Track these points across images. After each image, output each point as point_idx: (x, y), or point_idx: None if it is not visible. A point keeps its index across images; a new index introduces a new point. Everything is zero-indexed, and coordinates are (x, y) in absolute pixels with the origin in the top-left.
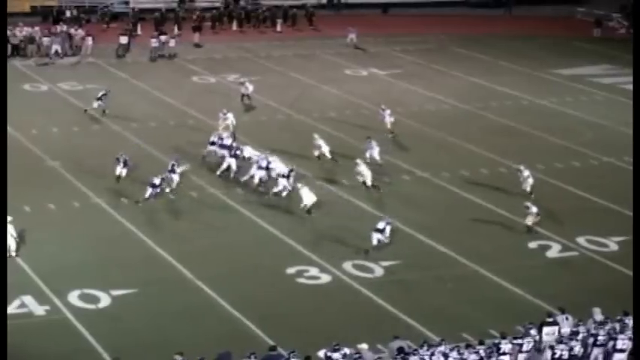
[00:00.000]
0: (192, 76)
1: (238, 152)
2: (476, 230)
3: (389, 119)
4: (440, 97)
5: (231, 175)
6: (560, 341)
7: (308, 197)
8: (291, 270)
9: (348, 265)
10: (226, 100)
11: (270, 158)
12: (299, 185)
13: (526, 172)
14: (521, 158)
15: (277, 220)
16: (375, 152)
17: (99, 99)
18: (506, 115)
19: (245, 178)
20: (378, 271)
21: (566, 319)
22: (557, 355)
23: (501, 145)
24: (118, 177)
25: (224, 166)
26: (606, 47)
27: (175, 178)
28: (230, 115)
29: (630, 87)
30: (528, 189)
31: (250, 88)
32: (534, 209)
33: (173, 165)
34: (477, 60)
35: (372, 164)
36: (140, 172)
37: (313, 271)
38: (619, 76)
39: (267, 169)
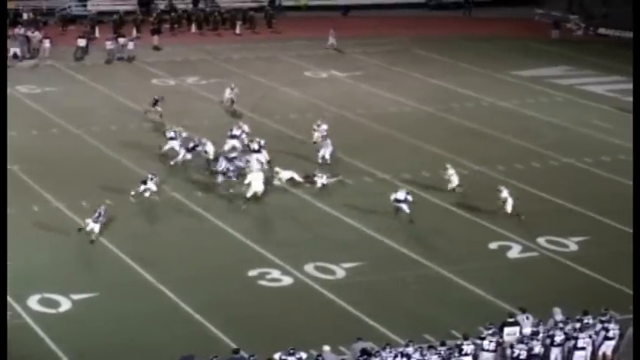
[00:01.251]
0: (152, 79)
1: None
2: (438, 231)
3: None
4: (402, 99)
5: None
6: (520, 341)
7: (256, 186)
8: (252, 272)
9: (309, 267)
10: (186, 103)
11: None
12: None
13: (504, 194)
14: (481, 159)
15: (238, 223)
16: (327, 152)
17: (155, 104)
18: (467, 116)
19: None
20: (340, 273)
21: (527, 318)
22: (515, 354)
23: (463, 147)
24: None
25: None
26: (564, 48)
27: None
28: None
29: (589, 88)
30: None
31: (235, 92)
32: (504, 193)
33: (152, 178)
34: (438, 62)
35: (322, 163)
36: (102, 174)
37: (275, 273)
38: (578, 77)
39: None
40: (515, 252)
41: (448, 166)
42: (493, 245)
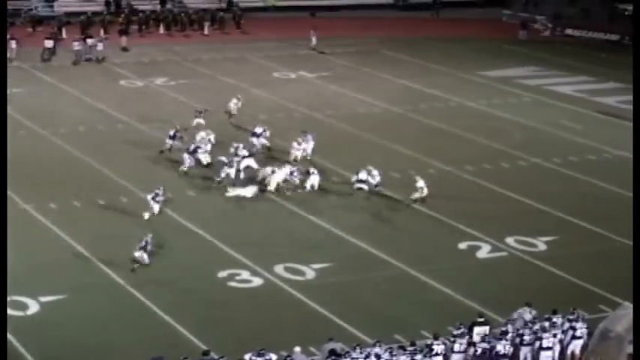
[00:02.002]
0: (120, 80)
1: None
2: (407, 232)
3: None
4: (370, 100)
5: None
6: (482, 339)
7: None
8: (222, 274)
9: (279, 268)
10: (155, 104)
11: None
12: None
13: (420, 183)
14: (450, 159)
15: (208, 224)
16: (309, 147)
17: (172, 137)
18: (436, 117)
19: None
20: (310, 274)
21: (530, 313)
22: (478, 352)
23: (432, 147)
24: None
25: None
26: (532, 49)
27: (155, 207)
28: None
29: (557, 88)
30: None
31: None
32: (420, 182)
33: (157, 194)
34: (406, 62)
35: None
36: (70, 176)
37: (245, 274)
38: (545, 77)
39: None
40: (484, 252)
41: (418, 177)
42: (462, 245)
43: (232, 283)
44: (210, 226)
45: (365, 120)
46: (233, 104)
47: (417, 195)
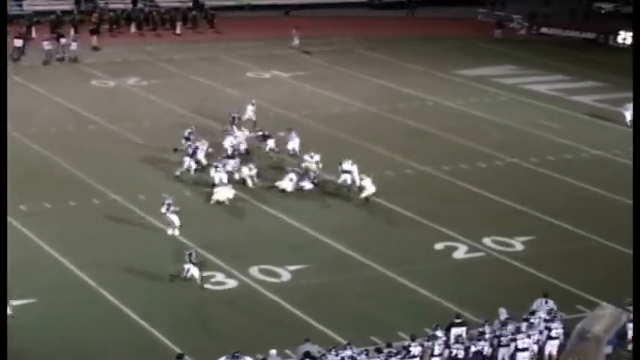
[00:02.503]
0: (92, 80)
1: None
2: (383, 233)
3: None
4: (347, 100)
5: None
6: (456, 341)
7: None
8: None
9: (254, 270)
10: (127, 105)
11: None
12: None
13: (365, 182)
14: (426, 159)
15: (182, 225)
16: (295, 144)
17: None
18: (413, 116)
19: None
20: (286, 276)
21: (546, 302)
22: (453, 354)
23: (408, 147)
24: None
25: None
26: (508, 48)
27: (175, 219)
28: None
29: (534, 87)
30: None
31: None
32: (366, 180)
33: (169, 204)
34: (382, 62)
35: (279, 155)
36: (41, 177)
37: (219, 276)
38: (522, 76)
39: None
40: (461, 252)
41: (363, 176)
42: (439, 246)
43: (207, 285)
44: (184, 227)
45: (341, 120)
46: (250, 111)
47: (366, 193)
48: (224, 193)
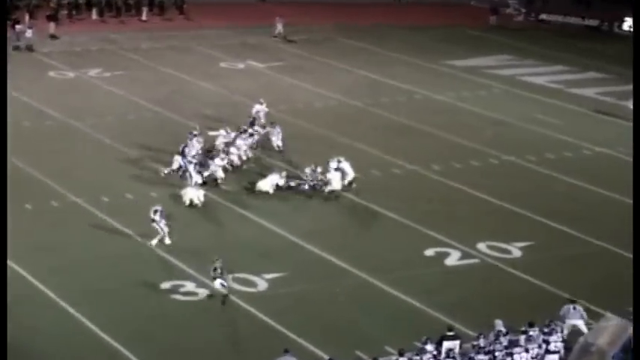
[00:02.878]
0: (49, 71)
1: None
2: (368, 237)
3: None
4: (327, 93)
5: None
6: (448, 355)
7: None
8: (165, 285)
9: (228, 279)
10: (88, 98)
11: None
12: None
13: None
14: (415, 158)
15: (149, 231)
16: (278, 138)
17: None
18: (399, 111)
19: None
20: (262, 285)
21: (574, 309)
22: None
23: (394, 145)
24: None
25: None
26: (503, 36)
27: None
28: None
29: (531, 79)
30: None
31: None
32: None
33: (156, 211)
34: (366, 52)
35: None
36: None
37: (190, 285)
38: (519, 67)
39: None
40: (453, 259)
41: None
42: (429, 252)
43: (176, 296)
44: (151, 232)
45: (321, 115)
46: (259, 112)
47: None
48: (192, 194)
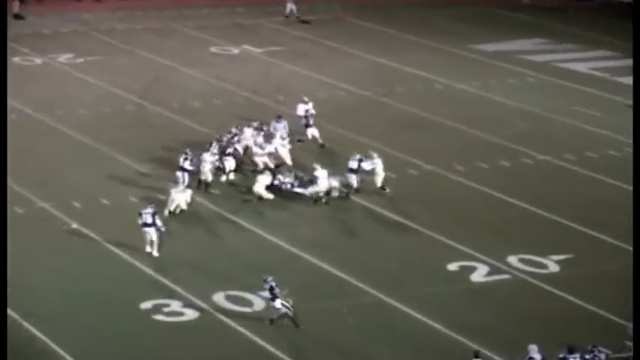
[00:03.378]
0: (13, 57)
1: None
2: (380, 248)
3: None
4: (332, 82)
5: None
6: None
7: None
8: (146, 305)
9: (219, 297)
10: (58, 87)
11: None
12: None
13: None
14: (435, 157)
15: (127, 241)
16: (284, 132)
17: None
18: (416, 102)
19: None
20: (258, 304)
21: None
22: None
23: (411, 142)
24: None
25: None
26: (538, 17)
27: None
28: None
29: (570, 65)
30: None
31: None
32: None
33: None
34: (378, 34)
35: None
36: None
37: (174, 305)
38: (555, 52)
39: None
40: (480, 274)
41: (317, 166)
42: (452, 266)
43: (159, 317)
44: (131, 243)
45: (326, 107)
46: (304, 110)
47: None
48: (181, 198)
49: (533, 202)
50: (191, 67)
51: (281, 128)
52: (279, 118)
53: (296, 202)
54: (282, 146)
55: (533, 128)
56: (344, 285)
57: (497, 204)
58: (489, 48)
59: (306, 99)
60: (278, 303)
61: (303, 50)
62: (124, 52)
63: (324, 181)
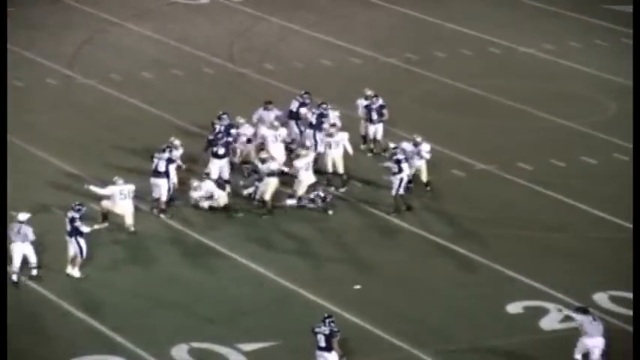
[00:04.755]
0: None
1: None
2: (410, 279)
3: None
4: (343, 44)
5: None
6: None
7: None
8: None
9: (180, 352)
10: None
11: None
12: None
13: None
14: (489, 151)
15: (54, 282)
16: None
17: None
18: (463, 74)
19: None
20: None
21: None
22: None
23: (455, 129)
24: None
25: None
26: None
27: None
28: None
29: None
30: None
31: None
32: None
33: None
34: None
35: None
36: None
37: None
38: None
39: None
40: (553, 319)
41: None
42: (514, 307)
43: None
44: (60, 285)
45: (334, 80)
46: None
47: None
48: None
49: (628, 217)
50: (139, 22)
51: (270, 120)
52: (267, 105)
53: (294, 212)
54: (272, 142)
55: (630, 112)
56: (361, 334)
57: (579, 219)
58: None
59: (369, 92)
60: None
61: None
62: (44, 2)
63: (302, 185)
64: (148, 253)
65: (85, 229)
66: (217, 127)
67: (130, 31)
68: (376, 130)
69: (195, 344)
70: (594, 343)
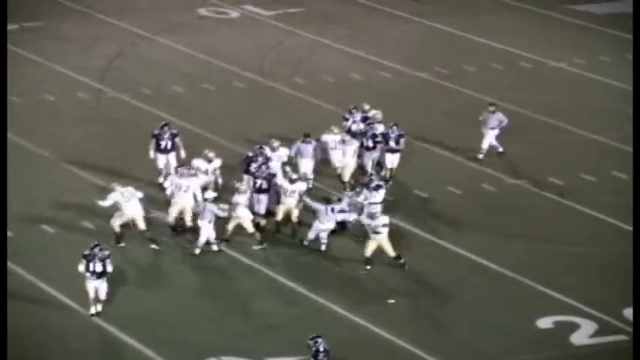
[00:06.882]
0: None
1: None
2: (447, 299)
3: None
4: (374, 59)
5: None
6: None
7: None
8: None
9: None
10: None
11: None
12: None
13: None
14: (520, 165)
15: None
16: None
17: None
18: (492, 88)
19: None
20: None
21: None
22: None
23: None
24: None
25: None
26: None
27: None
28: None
29: None
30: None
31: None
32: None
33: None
34: None
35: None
36: None
37: None
38: None
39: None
40: (584, 334)
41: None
42: (545, 322)
43: None
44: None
45: (364, 94)
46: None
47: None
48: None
49: None
50: (170, 36)
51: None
52: (306, 138)
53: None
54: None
55: None
56: (394, 350)
57: (609, 233)
58: (599, 9)
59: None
60: None
61: (329, 14)
62: (71, 14)
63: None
64: (176, 267)
65: (110, 267)
66: (260, 159)
67: (160, 45)
68: (393, 159)
69: (225, 359)
70: None
